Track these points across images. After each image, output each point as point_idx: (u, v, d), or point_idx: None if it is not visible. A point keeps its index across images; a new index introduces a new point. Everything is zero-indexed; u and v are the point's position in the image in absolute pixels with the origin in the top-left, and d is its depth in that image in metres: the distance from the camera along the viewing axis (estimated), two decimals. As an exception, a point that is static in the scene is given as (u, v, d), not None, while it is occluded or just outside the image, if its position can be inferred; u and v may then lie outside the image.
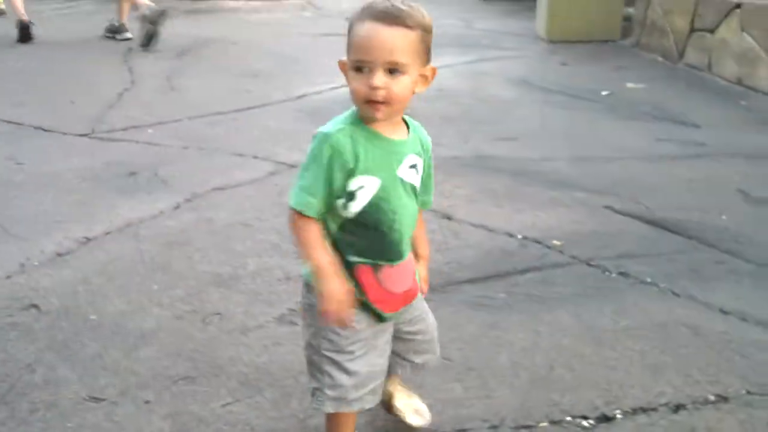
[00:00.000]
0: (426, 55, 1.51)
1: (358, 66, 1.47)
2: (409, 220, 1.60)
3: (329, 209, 1.54)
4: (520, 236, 3.10)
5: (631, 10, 7.29)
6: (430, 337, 1.81)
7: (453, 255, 2.95)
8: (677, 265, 2.87)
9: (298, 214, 1.52)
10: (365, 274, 1.59)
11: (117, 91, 5.35)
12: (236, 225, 3.24)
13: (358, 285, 1.58)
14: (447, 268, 2.83)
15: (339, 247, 1.57)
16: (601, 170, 3.86)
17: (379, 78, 1.44)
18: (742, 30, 5.39)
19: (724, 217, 3.29)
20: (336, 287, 1.51)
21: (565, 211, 3.37)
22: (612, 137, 4.40)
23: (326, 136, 1.49)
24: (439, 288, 2.60)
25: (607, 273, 2.82)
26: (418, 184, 1.61)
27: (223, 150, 4.19)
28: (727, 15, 5.59)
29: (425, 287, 1.78)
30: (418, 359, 1.81)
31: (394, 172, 1.55)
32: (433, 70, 1.54)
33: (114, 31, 7.22)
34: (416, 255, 1.72)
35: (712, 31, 5.78)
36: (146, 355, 2.28)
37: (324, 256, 1.52)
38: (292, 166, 3.89)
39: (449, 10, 8.80)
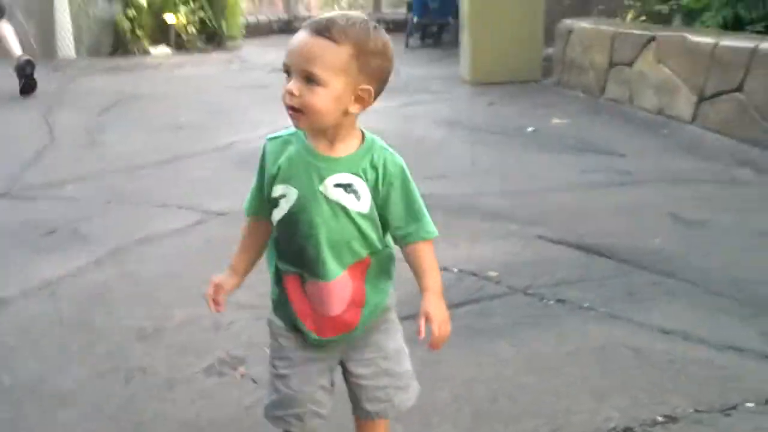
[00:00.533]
0: (362, 75, 1.44)
1: (285, 70, 1.45)
2: (333, 240, 1.51)
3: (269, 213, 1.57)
4: (455, 270, 3.04)
5: (550, 50, 7.46)
6: (386, 384, 1.66)
7: (388, 293, 2.86)
8: (613, 289, 2.85)
9: (247, 217, 1.63)
10: (291, 283, 1.56)
11: (35, 149, 5.16)
12: (161, 277, 3.11)
13: (286, 294, 1.57)
14: (382, 307, 2.75)
15: (276, 252, 1.59)
16: (532, 202, 3.86)
17: (292, 83, 1.42)
18: (659, 62, 5.54)
19: (656, 240, 3.30)
20: (221, 278, 1.64)
21: (499, 242, 3.33)
22: (541, 170, 4.42)
23: (264, 143, 1.56)
24: (376, 326, 2.50)
25: (544, 301, 2.77)
26: (356, 206, 1.50)
27: (146, 202, 4.05)
28: (643, 48, 5.74)
29: (430, 331, 1.54)
30: (370, 407, 1.67)
31: (314, 187, 1.49)
32: (369, 92, 1.46)
33: (22, 69, 6.88)
34: (420, 289, 1.57)
35: (630, 64, 5.93)
36: (65, 418, 2.12)
37: (238, 255, 1.64)
38: (220, 214, 3.78)
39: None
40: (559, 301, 2.76)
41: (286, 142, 1.53)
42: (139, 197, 4.14)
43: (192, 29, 9.55)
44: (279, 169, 1.50)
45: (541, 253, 3.21)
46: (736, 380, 2.23)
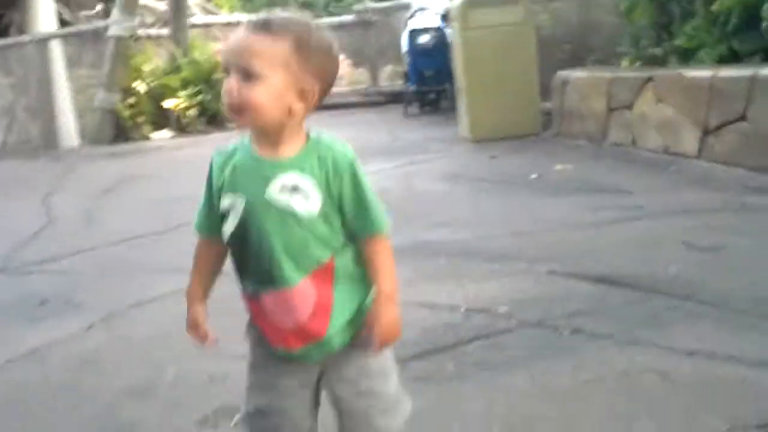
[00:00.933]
0: (305, 71, 1.38)
1: (224, 70, 1.39)
2: (286, 246, 1.41)
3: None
4: (463, 308, 2.89)
5: (548, 104, 7.43)
6: (366, 406, 1.50)
7: (394, 335, 2.71)
8: (632, 316, 2.68)
9: (198, 235, 1.55)
10: (248, 299, 1.49)
11: (33, 230, 5.09)
12: (155, 337, 2.96)
13: (249, 312, 1.51)
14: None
15: (236, 272, 1.50)
16: (540, 241, 3.72)
17: (229, 81, 1.36)
18: (658, 101, 5.47)
19: (672, 267, 3.14)
20: (190, 313, 1.55)
21: (508, 280, 3.18)
22: (547, 212, 4.29)
23: (213, 153, 1.49)
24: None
25: (559, 332, 2.60)
26: (304, 207, 1.40)
27: (143, 269, 3.94)
28: (641, 89, 5.69)
29: (377, 336, 1.43)
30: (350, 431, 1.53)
31: (261, 193, 1.40)
32: (312, 89, 1.40)
33: None
34: (377, 291, 1.46)
35: (629, 107, 5.86)
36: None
37: (192, 280, 1.56)
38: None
39: (375, 127, 8.91)
40: (575, 331, 2.60)
41: (232, 152, 1.47)
42: (134, 266, 4.03)
43: (192, 112, 9.61)
44: (224, 179, 1.44)
45: (553, 288, 3.05)
46: (770, 396, 2.05)
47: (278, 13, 1.42)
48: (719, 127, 4.83)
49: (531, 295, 2.99)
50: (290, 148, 1.43)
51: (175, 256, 4.07)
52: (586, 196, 4.60)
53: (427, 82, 9.91)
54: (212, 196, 1.47)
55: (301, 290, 1.43)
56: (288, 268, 1.42)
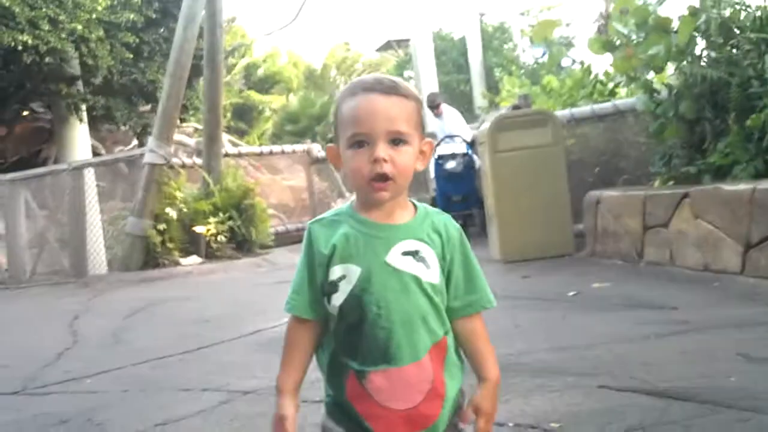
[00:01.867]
0: (422, 129, 1.39)
1: (358, 140, 1.31)
2: (406, 317, 1.33)
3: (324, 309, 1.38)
4: (511, 424, 2.68)
5: (581, 226, 7.35)
6: None
7: (437, 452, 2.50)
8: (698, 430, 2.46)
9: (292, 318, 1.42)
10: (350, 383, 1.34)
11: (57, 351, 4.95)
12: (181, 456, 2.78)
13: (346, 397, 1.35)
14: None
15: (335, 350, 1.38)
16: (587, 355, 3.52)
17: (383, 149, 1.30)
18: (696, 217, 5.35)
19: (732, 379, 2.93)
20: (278, 407, 1.39)
21: (557, 395, 2.98)
22: (589, 327, 4.10)
23: (308, 227, 1.41)
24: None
25: (620, 447, 2.39)
26: (426, 275, 1.34)
27: (168, 388, 3.77)
28: (677, 207, 5.59)
29: (476, 423, 1.39)
30: None
31: (381, 259, 1.32)
32: (430, 144, 1.40)
33: None
34: (479, 377, 1.42)
35: (665, 225, 5.75)
36: None
37: (284, 370, 1.41)
38: (246, 393, 3.48)
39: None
40: (636, 446, 2.38)
41: (333, 222, 1.39)
42: (161, 384, 3.87)
43: (222, 238, 9.63)
44: (335, 248, 1.35)
45: (606, 402, 2.84)
46: None
47: (384, 75, 1.42)
48: (762, 241, 4.68)
49: (583, 409, 2.78)
50: (403, 215, 1.38)
51: (203, 375, 3.95)
52: (629, 311, 4.41)
53: (455, 207, 9.91)
54: (314, 272, 1.36)
55: (417, 368, 1.34)
56: (404, 343, 1.33)
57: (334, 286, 1.35)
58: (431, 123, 10.00)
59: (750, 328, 3.69)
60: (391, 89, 1.33)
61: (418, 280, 1.34)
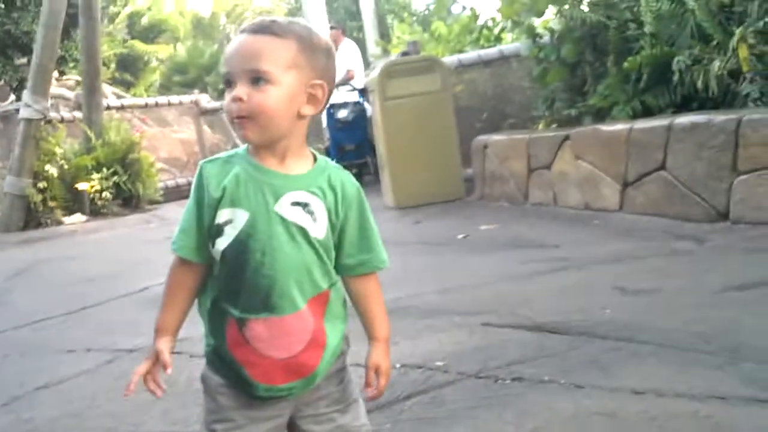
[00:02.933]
0: (312, 71, 1.31)
1: (226, 80, 1.28)
2: (290, 267, 1.30)
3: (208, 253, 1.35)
4: (398, 365, 2.72)
5: (469, 170, 7.47)
6: None
7: (324, 397, 2.52)
8: (573, 361, 2.57)
9: (176, 258, 1.38)
10: (230, 327, 1.31)
11: (-71, 320, 4.69)
12: (62, 418, 2.70)
13: (226, 344, 1.32)
14: (319, 411, 2.40)
15: (217, 296, 1.35)
16: (472, 295, 3.61)
17: (238, 88, 1.26)
18: (577, 158, 5.53)
19: (607, 311, 3.07)
20: (155, 345, 1.38)
21: (443, 335, 3.04)
22: (476, 268, 4.20)
23: (199, 167, 1.36)
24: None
25: (500, 381, 2.47)
26: (313, 229, 1.32)
27: (51, 350, 3.64)
28: (559, 148, 5.75)
29: (377, 383, 1.44)
30: None
31: (269, 207, 1.29)
32: (322, 87, 1.32)
33: None
34: (369, 337, 1.44)
35: (548, 167, 5.92)
36: None
37: (163, 310, 1.39)
38: (133, 351, 3.40)
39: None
40: (515, 379, 2.47)
41: (227, 162, 1.34)
42: (43, 347, 3.73)
43: (107, 194, 9.29)
44: (224, 190, 1.31)
45: (489, 339, 2.93)
46: (726, 427, 1.96)
47: (275, 17, 1.35)
48: (639, 179, 4.88)
49: (467, 347, 2.85)
50: (297, 164, 1.34)
51: (87, 336, 3.84)
52: (514, 251, 4.54)
53: (348, 156, 9.88)
54: (202, 213, 1.32)
55: (299, 318, 1.32)
56: (287, 292, 1.31)
57: (219, 230, 1.31)
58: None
59: (626, 262, 3.86)
60: (263, 29, 1.29)
61: (305, 232, 1.32)
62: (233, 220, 1.30)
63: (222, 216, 1.31)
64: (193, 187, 1.36)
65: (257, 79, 1.26)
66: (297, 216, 1.31)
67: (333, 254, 1.37)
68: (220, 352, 1.35)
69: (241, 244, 1.30)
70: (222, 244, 1.31)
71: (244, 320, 1.31)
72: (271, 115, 1.28)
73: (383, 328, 1.45)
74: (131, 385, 1.37)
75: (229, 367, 1.34)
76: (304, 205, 1.32)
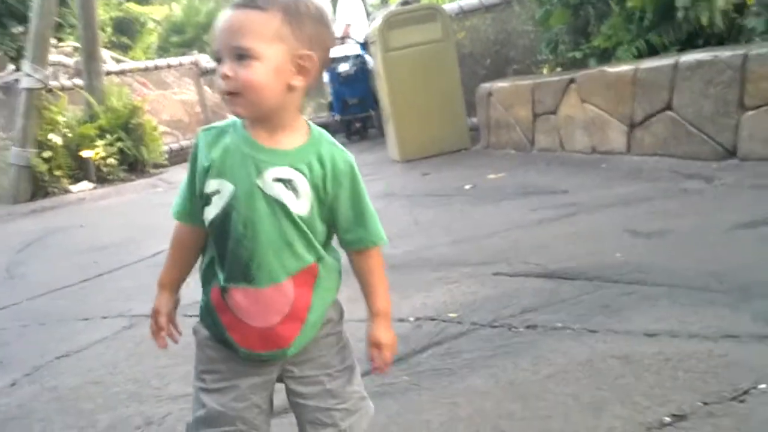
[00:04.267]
0: (299, 40, 1.29)
1: (216, 58, 1.29)
2: (270, 241, 1.32)
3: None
4: (412, 318, 2.75)
5: (474, 119, 7.43)
6: (330, 406, 1.42)
7: (341, 353, 2.55)
8: (585, 306, 2.58)
9: (177, 221, 1.44)
10: (214, 293, 1.38)
11: (-54, 295, 4.75)
12: (85, 385, 2.73)
13: (212, 306, 1.38)
14: (336, 367, 2.43)
15: (212, 259, 1.39)
16: (483, 245, 3.61)
17: (227, 65, 1.26)
18: (582, 102, 5.48)
19: (618, 254, 3.07)
20: (155, 305, 1.47)
21: (455, 286, 3.06)
22: (486, 218, 4.21)
23: (197, 135, 1.39)
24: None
25: (513, 330, 2.49)
26: (295, 206, 1.32)
27: (68, 319, 3.68)
28: (564, 93, 5.70)
29: (382, 357, 1.44)
30: (311, 430, 1.43)
31: (252, 180, 1.30)
32: (310, 58, 1.30)
33: None
34: (369, 311, 1.44)
35: (554, 112, 5.87)
36: None
37: (165, 268, 1.47)
38: (149, 316, 3.44)
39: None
40: (529, 327, 2.49)
41: (221, 132, 1.36)
42: (60, 316, 3.77)
43: (112, 161, 9.29)
44: (212, 161, 1.33)
45: (501, 288, 2.94)
46: (740, 365, 1.97)
47: None
48: (645, 120, 4.85)
49: (480, 297, 2.87)
50: (289, 138, 1.34)
51: (103, 303, 3.87)
52: (522, 199, 4.54)
53: (352, 110, 9.86)
54: (194, 180, 1.36)
55: (278, 291, 1.33)
56: (266, 265, 1.32)
57: (208, 199, 1.34)
58: None
59: (635, 205, 3.85)
60: (247, 2, 1.28)
61: (286, 209, 1.32)
62: (220, 191, 1.32)
63: (210, 186, 1.33)
64: (191, 153, 1.39)
65: (241, 55, 1.26)
66: (279, 192, 1.31)
67: (321, 229, 1.37)
68: (209, 309, 1.39)
69: (225, 215, 1.32)
70: (210, 213, 1.34)
71: (226, 288, 1.35)
72: (259, 90, 1.27)
73: (383, 302, 1.44)
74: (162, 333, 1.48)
75: (215, 326, 1.39)
76: (287, 182, 1.32)
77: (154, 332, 1.48)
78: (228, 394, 1.39)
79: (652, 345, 2.18)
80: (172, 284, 1.47)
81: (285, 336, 1.35)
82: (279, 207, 1.31)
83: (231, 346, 1.38)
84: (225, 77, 1.27)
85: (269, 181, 1.31)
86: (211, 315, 1.39)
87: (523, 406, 1.96)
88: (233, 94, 1.27)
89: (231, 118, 1.38)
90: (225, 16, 1.29)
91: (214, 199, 1.33)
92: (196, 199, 1.36)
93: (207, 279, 1.39)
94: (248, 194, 1.30)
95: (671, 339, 2.20)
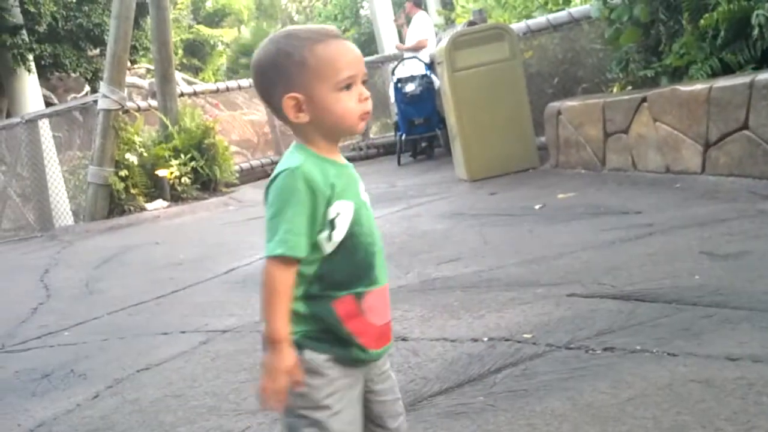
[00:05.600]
0: None
1: (348, 84, 1.42)
2: (380, 243, 1.50)
3: (312, 249, 1.41)
4: (486, 339, 2.76)
5: (542, 138, 7.38)
6: (399, 395, 1.58)
7: (416, 372, 2.57)
8: (664, 329, 2.55)
9: (283, 262, 1.37)
10: (346, 304, 1.43)
11: (31, 307, 4.95)
12: (165, 398, 2.82)
13: (338, 320, 1.43)
14: (412, 386, 2.45)
15: (324, 281, 1.43)
16: (555, 266, 3.59)
17: (363, 89, 1.45)
18: (655, 121, 5.40)
19: (696, 277, 3.02)
20: (287, 361, 1.38)
21: (528, 306, 3.05)
22: (556, 238, 4.17)
23: (294, 171, 1.38)
24: (407, 406, 2.19)
25: (590, 352, 2.47)
26: None
27: (146, 334, 3.80)
28: (636, 111, 5.63)
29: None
30: (393, 424, 1.53)
31: (359, 195, 1.47)
32: None
33: None
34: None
35: (626, 130, 5.80)
36: None
37: (279, 317, 1.39)
38: (225, 331, 3.53)
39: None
40: (606, 349, 2.47)
41: (313, 163, 1.42)
42: (139, 330, 3.90)
43: (186, 180, 9.53)
44: (333, 186, 1.41)
45: (576, 309, 2.92)
46: (828, 392, 1.91)
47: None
48: (721, 139, 4.75)
49: (554, 318, 2.86)
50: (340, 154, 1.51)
51: (180, 318, 3.99)
52: (594, 219, 4.49)
53: (418, 129, 9.89)
54: (315, 212, 1.39)
55: (387, 286, 1.50)
56: (383, 263, 1.49)
57: (333, 223, 1.41)
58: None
59: (712, 226, 3.77)
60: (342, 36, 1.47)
61: (371, 212, 1.51)
62: (341, 212, 1.42)
63: (334, 210, 1.41)
64: (292, 190, 1.38)
65: (365, 81, 1.46)
66: (368, 200, 1.50)
67: None
68: (331, 330, 1.42)
69: (353, 230, 1.43)
70: (338, 235, 1.42)
71: (362, 294, 1.44)
72: None
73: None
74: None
75: (336, 341, 1.42)
76: (366, 190, 1.51)
77: (279, 391, 1.38)
78: (351, 409, 1.45)
79: (734, 369, 2.14)
80: (288, 334, 1.40)
81: (390, 329, 1.51)
82: (371, 212, 1.49)
83: (360, 353, 1.44)
84: (368, 98, 1.44)
85: (363, 191, 1.49)
86: (334, 331, 1.41)
87: (601, 430, 1.95)
88: (367, 114, 1.45)
89: (296, 154, 1.43)
90: (351, 46, 1.45)
91: (338, 221, 1.41)
92: (313, 231, 1.39)
93: (321, 303, 1.42)
94: (362, 207, 1.46)
95: (753, 363, 2.15)
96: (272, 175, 1.42)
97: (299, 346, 1.42)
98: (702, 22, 5.33)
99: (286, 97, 1.41)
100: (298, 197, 1.37)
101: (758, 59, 5.11)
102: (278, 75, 1.42)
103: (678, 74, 5.81)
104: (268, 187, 1.41)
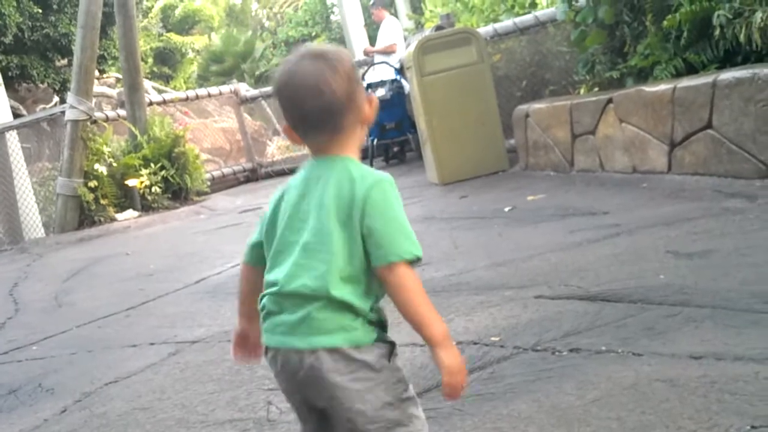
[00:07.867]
0: None
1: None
2: None
3: None
4: (454, 343, 2.75)
5: (512, 141, 7.42)
6: None
7: (384, 378, 2.57)
8: (629, 329, 2.57)
9: (413, 264, 1.46)
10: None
11: (-1, 322, 4.88)
12: (133, 411, 2.80)
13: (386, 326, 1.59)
14: (380, 392, 2.45)
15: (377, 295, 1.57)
16: (524, 268, 3.61)
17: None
18: (621, 122, 5.46)
19: (662, 276, 3.05)
20: (459, 356, 1.52)
21: (496, 309, 3.07)
22: (526, 240, 4.20)
23: (388, 180, 1.51)
24: (375, 412, 2.20)
25: (557, 353, 2.49)
26: None
27: (115, 346, 3.77)
28: (602, 113, 5.68)
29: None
30: None
31: None
32: None
33: None
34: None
35: (593, 132, 5.85)
36: None
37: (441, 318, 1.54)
38: (195, 342, 3.50)
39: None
40: (572, 350, 2.48)
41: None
42: (108, 343, 3.86)
43: (156, 189, 9.46)
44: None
45: (543, 311, 2.94)
46: (789, 388, 1.94)
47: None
48: (685, 139, 4.81)
49: (522, 321, 2.87)
50: None
51: (149, 330, 3.95)
52: (563, 220, 4.52)
53: (389, 134, 9.90)
54: None
55: None
56: None
57: None
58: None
59: (678, 225, 3.81)
60: None
61: None
62: None
63: None
64: (396, 196, 1.50)
65: None
66: None
67: None
68: (384, 319, 1.56)
69: None
70: None
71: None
72: None
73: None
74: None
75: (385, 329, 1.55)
76: None
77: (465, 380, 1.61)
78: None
79: (697, 368, 2.17)
80: None
81: None
82: None
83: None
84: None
85: None
86: (385, 323, 1.55)
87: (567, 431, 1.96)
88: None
89: (361, 166, 1.55)
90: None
91: None
92: None
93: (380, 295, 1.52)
94: None
95: (716, 361, 2.18)
96: (365, 186, 1.47)
97: (379, 337, 1.52)
98: (665, 23, 5.40)
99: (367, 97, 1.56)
100: (401, 204, 1.51)
101: (721, 59, 5.18)
102: (358, 79, 1.55)
103: (643, 75, 5.88)
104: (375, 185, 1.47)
